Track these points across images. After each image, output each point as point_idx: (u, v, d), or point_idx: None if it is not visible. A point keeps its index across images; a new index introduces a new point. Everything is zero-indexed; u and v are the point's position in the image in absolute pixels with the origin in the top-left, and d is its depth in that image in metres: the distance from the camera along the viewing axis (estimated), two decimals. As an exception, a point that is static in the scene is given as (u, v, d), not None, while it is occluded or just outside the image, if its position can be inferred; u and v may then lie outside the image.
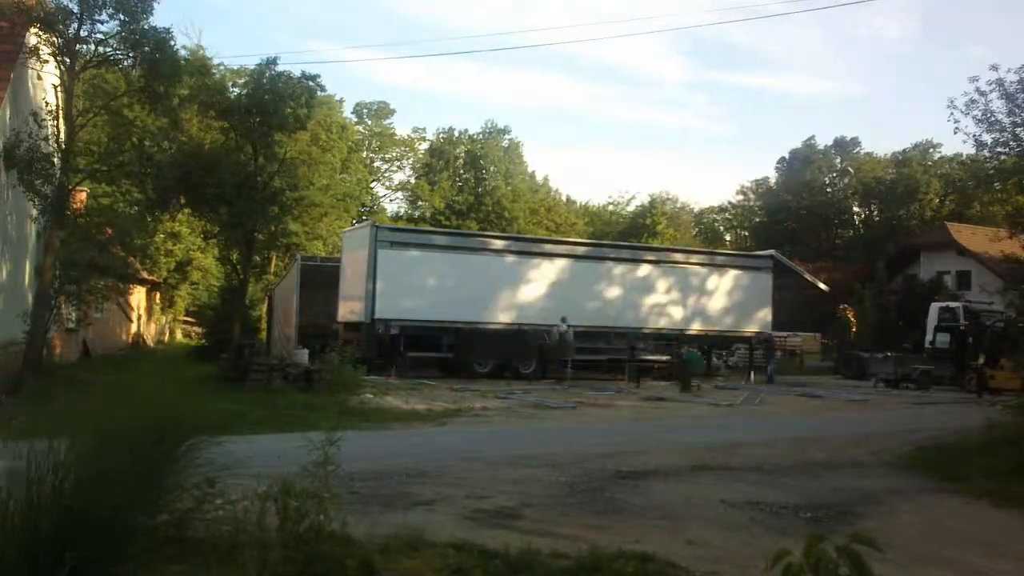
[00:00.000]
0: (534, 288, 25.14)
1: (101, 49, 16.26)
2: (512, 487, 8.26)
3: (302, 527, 4.82)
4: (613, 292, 26.33)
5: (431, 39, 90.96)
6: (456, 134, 61.38)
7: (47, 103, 16.65)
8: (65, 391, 11.94)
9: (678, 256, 28.90)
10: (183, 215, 27.22)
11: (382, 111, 59.54)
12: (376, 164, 60.58)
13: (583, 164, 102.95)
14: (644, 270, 26.99)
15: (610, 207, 69.28)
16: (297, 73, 20.65)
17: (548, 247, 27.56)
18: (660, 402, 18.80)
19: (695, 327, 26.95)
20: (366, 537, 5.60)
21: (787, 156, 54.37)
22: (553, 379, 23.45)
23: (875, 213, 51.05)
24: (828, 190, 52.11)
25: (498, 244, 26.30)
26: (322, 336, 22.78)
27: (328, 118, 46.16)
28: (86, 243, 16.35)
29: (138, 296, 33.01)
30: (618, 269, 26.59)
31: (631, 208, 65.00)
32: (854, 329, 30.36)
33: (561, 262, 25.84)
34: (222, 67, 22.52)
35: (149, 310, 36.65)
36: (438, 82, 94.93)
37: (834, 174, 53.17)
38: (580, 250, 27.49)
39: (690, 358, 25.27)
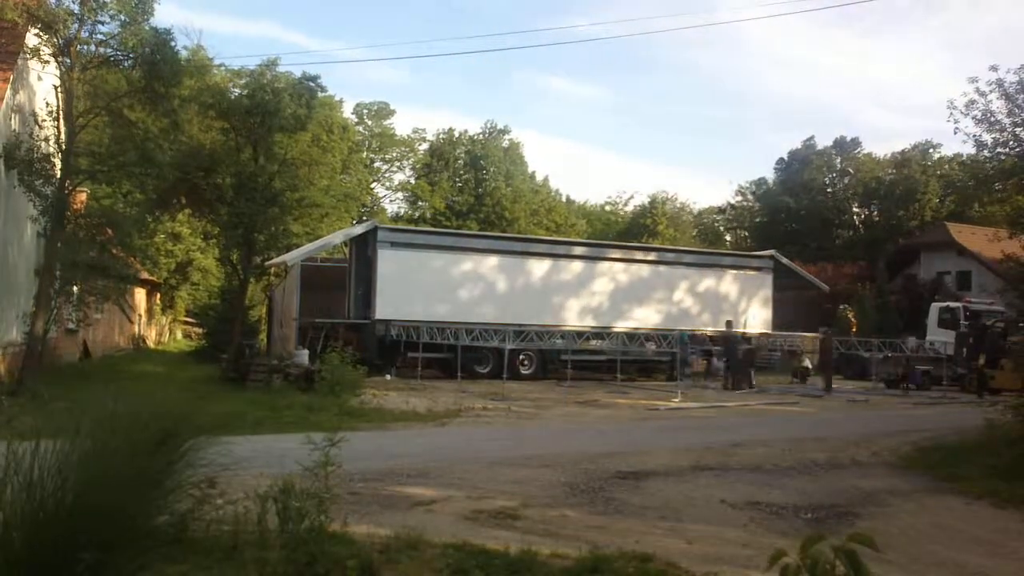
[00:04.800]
0: (533, 288, 25.16)
1: (102, 50, 16.26)
2: (512, 487, 8.26)
3: (303, 527, 4.83)
4: (612, 292, 26.34)
5: (434, 39, 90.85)
6: (456, 134, 61.44)
7: (48, 104, 16.66)
8: (65, 392, 11.94)
9: (678, 256, 28.93)
10: (183, 216, 27.22)
11: (382, 111, 59.59)
12: (376, 164, 60.61)
13: (582, 164, 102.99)
14: (644, 270, 27.01)
15: (608, 207, 69.44)
16: (297, 74, 20.75)
17: (547, 247, 27.57)
18: (658, 403, 18.81)
19: (694, 327, 26.91)
20: (366, 537, 5.62)
21: (786, 157, 54.41)
22: (554, 379, 23.48)
23: (875, 213, 51.00)
24: (828, 190, 52.08)
25: (497, 245, 26.31)
26: (322, 336, 22.77)
27: (329, 119, 46.15)
28: (86, 244, 16.34)
29: (139, 297, 33.00)
30: (617, 269, 26.61)
31: (629, 208, 65.22)
32: (854, 329, 30.32)
33: (560, 262, 25.87)
34: (223, 68, 22.49)
35: (150, 311, 36.65)
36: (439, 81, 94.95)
37: (834, 174, 53.12)
38: (578, 250, 27.48)
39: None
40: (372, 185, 58.80)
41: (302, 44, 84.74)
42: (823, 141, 54.06)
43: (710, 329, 27.02)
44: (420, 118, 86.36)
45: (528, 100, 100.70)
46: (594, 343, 23.68)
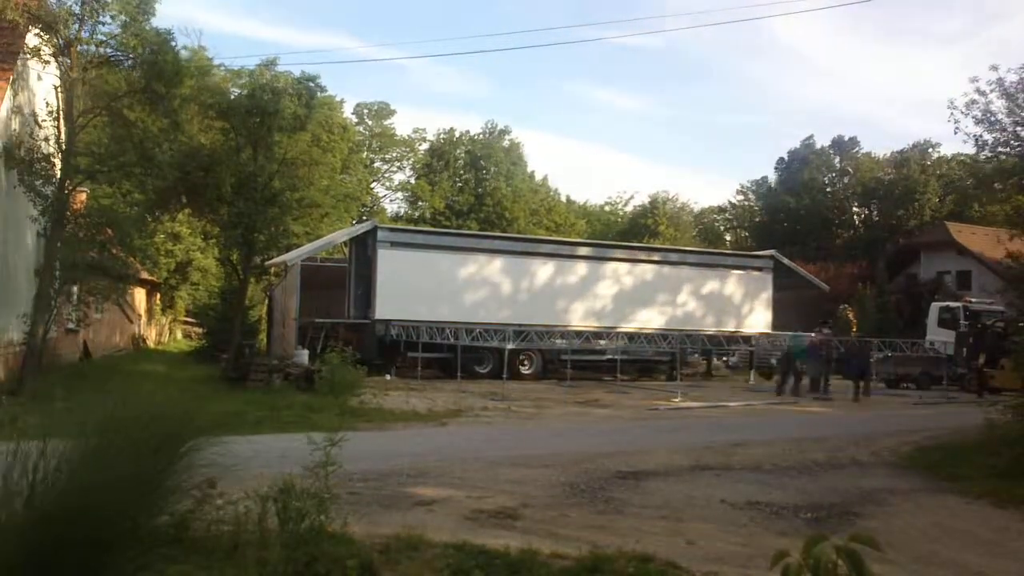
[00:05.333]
0: (533, 288, 25.15)
1: (102, 50, 16.25)
2: (512, 487, 8.27)
3: (303, 527, 4.83)
4: (612, 292, 26.33)
5: (433, 39, 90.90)
6: (457, 134, 61.46)
7: (48, 104, 16.64)
8: (65, 392, 11.95)
9: (678, 256, 28.93)
10: (183, 216, 27.20)
11: (382, 111, 59.59)
12: (376, 164, 60.62)
13: (583, 164, 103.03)
14: (645, 270, 27.01)
15: (607, 207, 69.49)
16: (297, 73, 20.75)
17: (548, 247, 27.58)
18: (658, 403, 18.81)
19: (695, 327, 26.91)
20: (366, 537, 5.62)
21: (786, 156, 54.45)
22: (554, 380, 23.48)
23: (875, 213, 51.03)
24: (828, 190, 52.11)
25: (497, 245, 26.31)
26: (322, 336, 22.78)
27: (329, 119, 46.14)
28: (86, 244, 16.34)
29: (139, 297, 33.00)
30: (619, 269, 26.61)
31: (629, 208, 65.26)
32: (855, 330, 30.37)
33: (559, 262, 25.87)
34: (222, 68, 22.42)
35: (150, 311, 36.65)
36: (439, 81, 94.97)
37: (833, 174, 53.16)
38: (579, 251, 27.48)
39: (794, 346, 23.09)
40: (372, 185, 58.82)
41: (309, 44, 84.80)
42: (823, 140, 54.19)
43: (711, 330, 27.04)
44: (419, 118, 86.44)
45: (528, 101, 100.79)
46: (602, 343, 23.72)
